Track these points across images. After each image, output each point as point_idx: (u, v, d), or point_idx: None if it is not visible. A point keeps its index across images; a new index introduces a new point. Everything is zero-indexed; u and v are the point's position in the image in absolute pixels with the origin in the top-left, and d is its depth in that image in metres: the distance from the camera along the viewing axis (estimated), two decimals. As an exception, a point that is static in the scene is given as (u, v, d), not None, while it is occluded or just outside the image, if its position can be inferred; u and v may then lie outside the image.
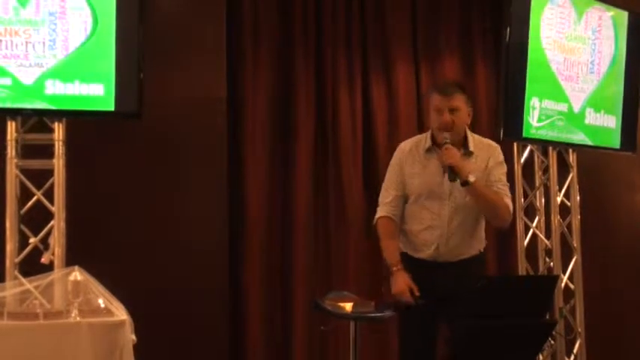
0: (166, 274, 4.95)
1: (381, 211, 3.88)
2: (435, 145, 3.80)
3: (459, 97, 3.76)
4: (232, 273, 5.36)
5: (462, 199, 3.73)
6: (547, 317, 3.96)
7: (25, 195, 4.25)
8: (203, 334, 5.00)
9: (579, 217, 5.30)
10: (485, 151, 3.82)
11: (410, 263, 3.80)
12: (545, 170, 5.21)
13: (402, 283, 3.70)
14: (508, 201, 3.75)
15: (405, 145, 3.92)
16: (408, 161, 3.84)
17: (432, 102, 3.79)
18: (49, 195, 4.22)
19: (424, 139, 3.87)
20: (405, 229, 3.87)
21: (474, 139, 3.85)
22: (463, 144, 3.80)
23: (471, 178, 3.58)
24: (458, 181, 3.62)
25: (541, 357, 4.93)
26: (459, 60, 5.97)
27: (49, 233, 4.19)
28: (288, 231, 5.56)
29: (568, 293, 5.19)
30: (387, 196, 3.88)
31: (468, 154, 3.79)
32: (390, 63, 5.83)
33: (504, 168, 3.85)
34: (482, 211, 3.74)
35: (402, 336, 3.97)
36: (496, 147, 3.88)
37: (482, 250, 3.93)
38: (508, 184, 3.83)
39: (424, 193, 3.77)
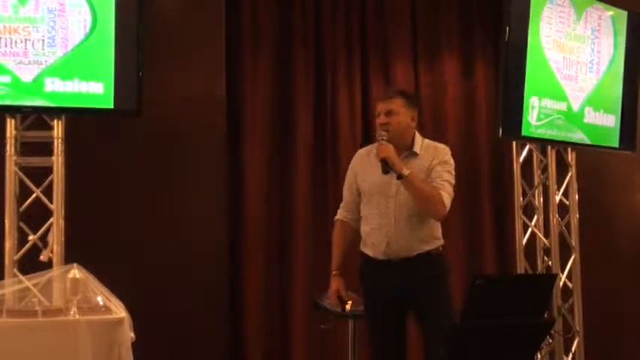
0: (165, 272, 4.95)
1: (337, 214, 4.09)
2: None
3: (397, 102, 3.89)
4: (231, 272, 5.36)
5: (406, 196, 3.82)
6: (545, 316, 3.96)
7: (24, 192, 4.25)
8: (202, 333, 5.00)
9: (578, 216, 5.31)
10: (430, 152, 3.91)
11: (368, 263, 3.92)
12: (544, 169, 5.22)
13: (332, 289, 3.98)
14: (444, 195, 3.80)
15: (361, 151, 4.08)
16: (361, 165, 3.99)
17: (375, 108, 3.96)
18: (48, 193, 4.22)
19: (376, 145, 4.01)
20: (361, 231, 3.99)
21: (422, 143, 3.94)
22: (409, 146, 3.91)
23: (405, 172, 3.71)
24: (394, 175, 3.76)
25: (539, 356, 4.94)
26: (458, 59, 5.97)
27: (48, 231, 4.20)
28: (287, 230, 5.56)
29: (566, 292, 5.20)
30: (343, 200, 4.08)
31: (412, 154, 3.90)
32: (389, 62, 5.83)
33: (448, 167, 3.90)
34: (416, 203, 3.80)
35: (372, 338, 4.02)
36: (443, 148, 3.97)
37: (440, 246, 3.95)
38: (452, 182, 3.88)
39: (374, 192, 3.89)
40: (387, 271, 3.84)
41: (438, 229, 3.93)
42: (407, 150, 3.89)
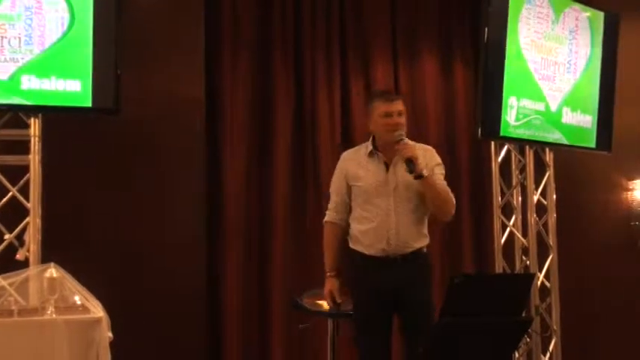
0: (143, 272, 4.93)
1: (326, 217, 4.09)
2: (375, 149, 3.98)
3: (401, 103, 4.00)
4: (210, 271, 5.35)
5: (405, 193, 3.90)
6: (523, 315, 3.97)
7: (-1, 191, 4.22)
8: (181, 332, 4.98)
9: (555, 215, 5.34)
10: (422, 152, 3.96)
11: (362, 261, 3.94)
12: (522, 169, 5.25)
13: (327, 289, 4.00)
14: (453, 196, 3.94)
15: (348, 153, 4.13)
16: (352, 166, 4.01)
17: (379, 108, 3.97)
18: (25, 191, 4.18)
19: (364, 146, 4.07)
20: (355, 230, 3.99)
21: (413, 144, 3.99)
22: None
23: (425, 172, 3.79)
24: (395, 173, 3.85)
25: (517, 355, 4.95)
26: (437, 60, 5.99)
27: (24, 230, 4.16)
28: (266, 230, 5.55)
29: (544, 291, 5.23)
30: (331, 202, 4.08)
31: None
32: (368, 64, 5.85)
33: (442, 169, 4.02)
34: (432, 202, 3.88)
35: (359, 337, 4.03)
36: (432, 150, 4.07)
37: (427, 244, 4.01)
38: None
39: (372, 190, 3.92)
40: (384, 268, 3.86)
41: (425, 228, 4.00)
42: None
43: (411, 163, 3.75)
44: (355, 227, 3.98)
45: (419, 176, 3.76)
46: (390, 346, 3.96)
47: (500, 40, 4.80)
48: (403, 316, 3.93)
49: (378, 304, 3.89)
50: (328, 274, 4.01)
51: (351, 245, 4.01)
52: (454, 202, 3.93)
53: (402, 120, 3.92)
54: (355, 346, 4.05)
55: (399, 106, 3.94)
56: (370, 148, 4.00)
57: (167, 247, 5.02)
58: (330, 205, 4.08)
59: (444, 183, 3.96)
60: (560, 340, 5.23)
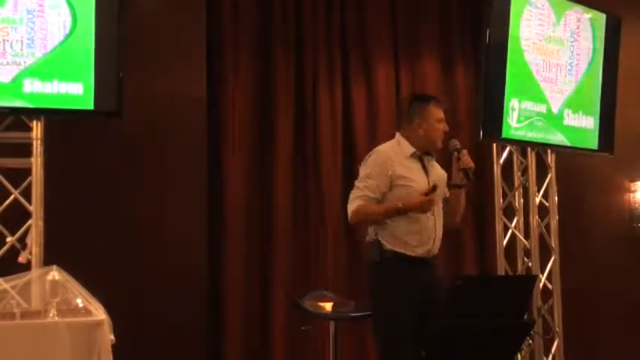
0: (145, 273, 4.92)
1: (359, 200, 3.87)
2: (422, 152, 3.95)
3: None
4: (211, 273, 5.34)
5: (438, 197, 3.91)
6: (525, 317, 3.98)
7: (1, 194, 4.22)
8: (182, 334, 4.98)
9: (557, 217, 5.34)
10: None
11: (404, 261, 3.81)
12: (524, 171, 5.25)
13: (415, 200, 3.76)
14: None
15: (386, 151, 3.96)
16: (397, 166, 3.89)
17: (436, 114, 3.96)
18: (27, 194, 4.19)
19: (396, 145, 3.97)
20: (398, 232, 3.84)
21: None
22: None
23: (464, 182, 3.87)
24: (460, 182, 3.91)
25: (519, 356, 4.96)
26: (438, 61, 5.98)
27: (26, 232, 4.16)
28: (267, 231, 5.55)
29: (546, 293, 5.23)
30: (365, 194, 3.86)
31: (433, 157, 4.04)
32: (370, 64, 5.84)
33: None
34: (455, 211, 3.96)
35: (401, 341, 3.81)
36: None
37: None
38: None
39: (418, 192, 3.81)
40: (427, 268, 3.86)
41: None
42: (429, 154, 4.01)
43: (467, 174, 3.84)
44: (399, 229, 3.83)
45: (459, 185, 3.86)
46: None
47: (502, 42, 4.80)
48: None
49: (415, 305, 3.75)
50: (400, 204, 3.76)
51: (390, 247, 3.83)
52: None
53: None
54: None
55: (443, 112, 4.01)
56: (411, 150, 3.92)
57: (169, 248, 5.02)
58: (364, 195, 3.85)
59: None
60: (562, 341, 5.23)
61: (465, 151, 3.88)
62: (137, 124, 4.82)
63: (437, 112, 3.96)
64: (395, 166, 3.88)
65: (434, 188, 3.73)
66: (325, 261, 5.60)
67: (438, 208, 3.90)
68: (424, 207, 3.75)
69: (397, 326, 3.78)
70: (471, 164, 3.85)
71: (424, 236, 3.83)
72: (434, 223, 3.87)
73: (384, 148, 3.99)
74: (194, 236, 5.15)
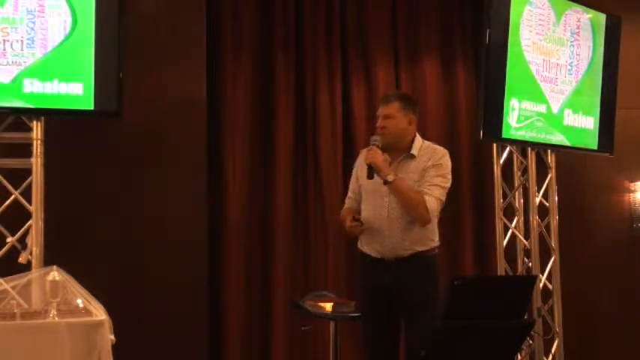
0: (145, 274, 4.94)
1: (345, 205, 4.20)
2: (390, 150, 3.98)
3: (394, 106, 3.97)
4: (212, 273, 5.35)
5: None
6: (525, 317, 3.97)
7: (2, 194, 4.21)
8: (182, 335, 4.99)
9: (557, 217, 5.34)
10: (428, 154, 3.96)
11: (364, 260, 3.98)
12: (524, 171, 5.25)
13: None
14: (430, 199, 3.86)
15: (362, 151, 4.10)
16: (361, 164, 4.02)
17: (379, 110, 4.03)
18: (27, 194, 4.19)
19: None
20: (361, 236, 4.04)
21: (422, 145, 3.99)
22: (407, 148, 3.97)
23: (390, 177, 3.80)
24: (377, 178, 3.85)
25: (519, 357, 4.96)
26: (438, 61, 5.99)
27: (26, 233, 4.16)
28: (267, 231, 5.55)
29: (546, 293, 5.23)
30: (347, 196, 4.19)
31: (409, 157, 3.96)
32: (370, 64, 5.84)
33: (442, 170, 3.95)
34: (402, 207, 3.88)
35: (365, 339, 4.08)
36: (441, 150, 4.01)
37: (434, 248, 3.99)
38: (442, 186, 3.93)
39: (369, 191, 3.97)
40: (381, 269, 3.89)
41: (432, 231, 3.98)
42: (405, 152, 3.95)
43: (371, 170, 3.82)
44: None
45: (384, 181, 3.81)
46: (397, 349, 3.96)
47: (502, 42, 4.80)
48: (403, 318, 3.93)
49: (376, 305, 3.92)
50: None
51: (358, 245, 4.05)
52: (426, 206, 3.83)
53: (386, 123, 3.93)
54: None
55: (385, 109, 3.95)
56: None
57: (169, 248, 5.03)
58: (346, 199, 4.18)
59: (431, 184, 3.88)
60: (562, 342, 5.23)
61: (373, 148, 3.85)
62: (137, 124, 4.82)
63: (379, 109, 4.02)
64: (359, 164, 4.11)
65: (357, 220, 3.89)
66: (325, 261, 5.61)
67: (398, 212, 3.87)
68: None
69: (362, 319, 4.05)
70: (374, 160, 3.79)
71: (373, 236, 3.92)
72: (387, 225, 3.88)
73: (363, 150, 4.09)
74: (194, 236, 5.15)
